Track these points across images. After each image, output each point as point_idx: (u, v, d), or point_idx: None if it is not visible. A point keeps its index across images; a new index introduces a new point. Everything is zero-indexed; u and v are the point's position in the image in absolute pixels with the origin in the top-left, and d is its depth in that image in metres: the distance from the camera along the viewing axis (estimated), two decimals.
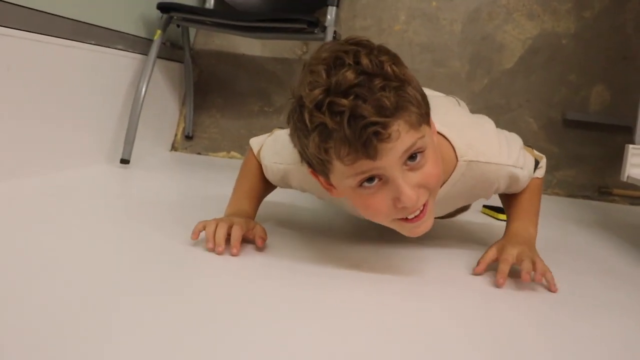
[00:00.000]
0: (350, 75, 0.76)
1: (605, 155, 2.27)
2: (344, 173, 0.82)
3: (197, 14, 1.97)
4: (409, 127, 0.79)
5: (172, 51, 2.21)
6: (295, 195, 1.37)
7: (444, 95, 1.33)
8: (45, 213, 1.17)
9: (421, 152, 0.82)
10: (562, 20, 2.26)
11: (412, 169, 0.82)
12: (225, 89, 2.43)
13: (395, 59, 0.81)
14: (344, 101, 0.75)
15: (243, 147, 2.40)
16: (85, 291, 0.77)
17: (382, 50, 0.81)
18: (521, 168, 1.04)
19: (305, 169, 0.92)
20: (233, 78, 2.42)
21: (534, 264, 0.96)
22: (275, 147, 1.09)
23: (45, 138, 1.52)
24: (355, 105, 0.75)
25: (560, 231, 1.54)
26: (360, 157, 0.78)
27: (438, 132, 0.95)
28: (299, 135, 0.83)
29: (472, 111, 2.22)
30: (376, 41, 0.83)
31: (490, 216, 1.63)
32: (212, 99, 2.43)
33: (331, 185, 0.88)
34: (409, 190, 0.81)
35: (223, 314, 0.74)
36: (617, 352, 0.76)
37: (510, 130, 1.12)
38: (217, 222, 1.01)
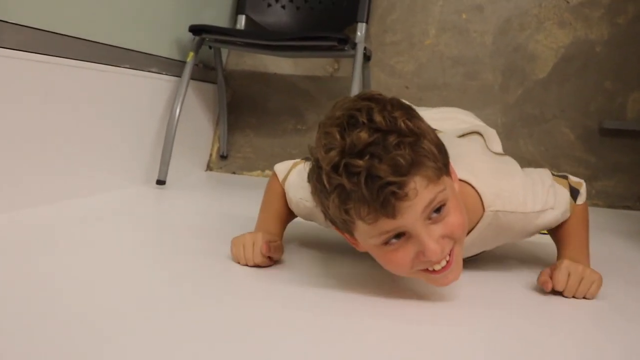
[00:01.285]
0: (364, 135, 0.76)
1: None
2: (367, 232, 0.81)
3: (228, 35, 2.00)
4: (427, 182, 0.78)
5: (204, 72, 2.25)
6: None
7: (472, 123, 1.29)
8: (85, 234, 1.19)
9: (443, 205, 0.81)
10: (595, 27, 2.23)
11: (435, 222, 0.81)
12: (258, 109, 2.45)
13: (409, 113, 0.80)
14: (360, 162, 0.75)
15: None
16: (124, 305, 0.78)
17: (395, 104, 0.81)
18: (552, 208, 1.01)
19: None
20: (266, 97, 2.44)
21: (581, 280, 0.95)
22: (302, 182, 1.04)
23: (83, 162, 1.55)
24: (370, 166, 0.75)
25: (600, 242, 1.49)
26: (380, 217, 0.78)
27: (465, 181, 0.94)
28: (320, 196, 0.84)
29: (506, 124, 2.24)
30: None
31: None
32: (246, 118, 2.46)
33: (356, 240, 0.88)
34: (433, 244, 0.80)
35: (248, 333, 0.75)
36: None
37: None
38: (243, 243, 1.04)
